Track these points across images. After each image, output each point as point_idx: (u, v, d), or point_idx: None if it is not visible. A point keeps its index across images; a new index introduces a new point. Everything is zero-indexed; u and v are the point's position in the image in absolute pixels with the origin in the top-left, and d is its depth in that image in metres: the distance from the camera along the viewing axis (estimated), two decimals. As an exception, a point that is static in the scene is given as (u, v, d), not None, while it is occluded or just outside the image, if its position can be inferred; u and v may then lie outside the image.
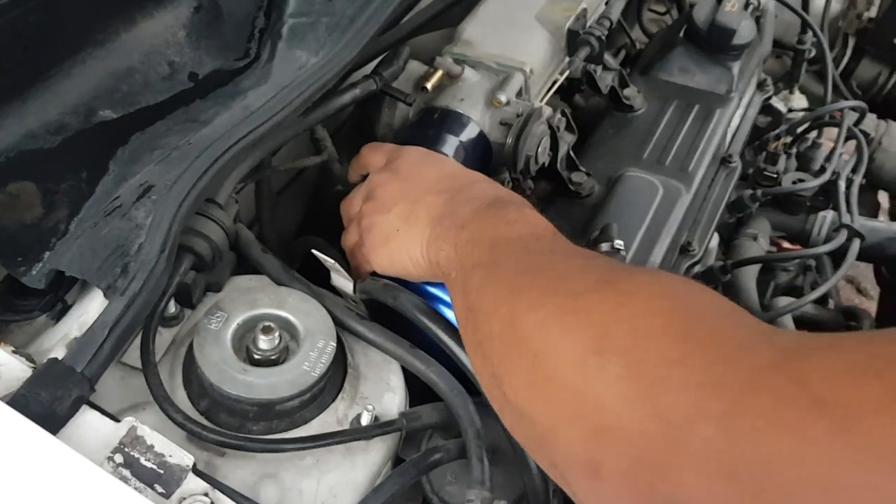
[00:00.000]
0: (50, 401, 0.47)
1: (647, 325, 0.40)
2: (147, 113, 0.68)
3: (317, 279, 0.68)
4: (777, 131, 1.02)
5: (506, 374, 0.46)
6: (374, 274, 0.67)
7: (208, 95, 0.70)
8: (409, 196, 0.65)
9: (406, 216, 0.63)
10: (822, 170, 1.00)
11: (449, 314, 0.64)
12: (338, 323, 0.61)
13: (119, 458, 0.47)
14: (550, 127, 0.81)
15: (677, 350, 0.38)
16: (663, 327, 0.39)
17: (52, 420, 0.47)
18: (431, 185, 0.65)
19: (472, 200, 0.61)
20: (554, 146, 0.83)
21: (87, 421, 0.49)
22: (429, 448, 0.56)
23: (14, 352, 0.51)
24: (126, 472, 0.47)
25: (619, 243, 0.72)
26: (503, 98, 0.79)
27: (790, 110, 1.19)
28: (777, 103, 1.08)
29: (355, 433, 0.56)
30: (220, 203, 0.65)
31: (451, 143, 0.78)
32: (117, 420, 0.50)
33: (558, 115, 0.84)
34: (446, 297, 0.65)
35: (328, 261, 0.65)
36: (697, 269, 0.87)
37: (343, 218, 0.72)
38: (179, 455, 0.48)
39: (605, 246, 0.72)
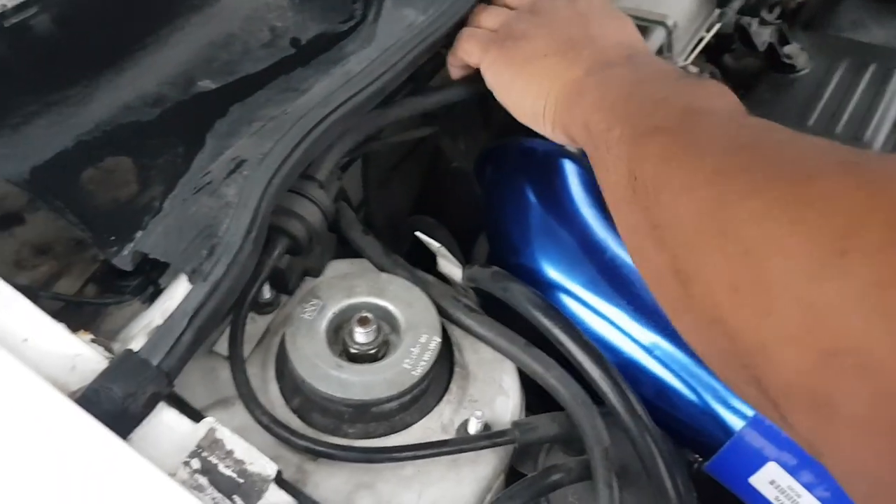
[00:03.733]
0: (123, 397, 0.43)
1: None
2: (247, 82, 0.63)
3: (427, 266, 0.61)
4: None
5: (697, 272, 0.37)
6: (488, 260, 0.59)
7: (310, 62, 0.64)
8: (574, 30, 0.55)
9: (563, 44, 0.54)
10: None
11: (572, 307, 0.55)
12: (444, 315, 0.54)
13: (196, 464, 0.42)
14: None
15: None
16: None
17: (125, 419, 0.43)
18: (609, 39, 0.54)
19: (660, 67, 0.51)
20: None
21: (164, 420, 0.44)
22: (547, 467, 0.48)
23: (93, 340, 0.47)
24: (203, 480, 0.42)
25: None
26: (640, 58, 0.69)
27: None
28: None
29: (461, 443, 0.48)
30: (321, 179, 0.59)
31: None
32: (199, 417, 0.45)
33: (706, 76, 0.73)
34: (570, 285, 0.56)
35: (433, 244, 0.58)
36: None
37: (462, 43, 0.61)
38: (261, 463, 0.43)
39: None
